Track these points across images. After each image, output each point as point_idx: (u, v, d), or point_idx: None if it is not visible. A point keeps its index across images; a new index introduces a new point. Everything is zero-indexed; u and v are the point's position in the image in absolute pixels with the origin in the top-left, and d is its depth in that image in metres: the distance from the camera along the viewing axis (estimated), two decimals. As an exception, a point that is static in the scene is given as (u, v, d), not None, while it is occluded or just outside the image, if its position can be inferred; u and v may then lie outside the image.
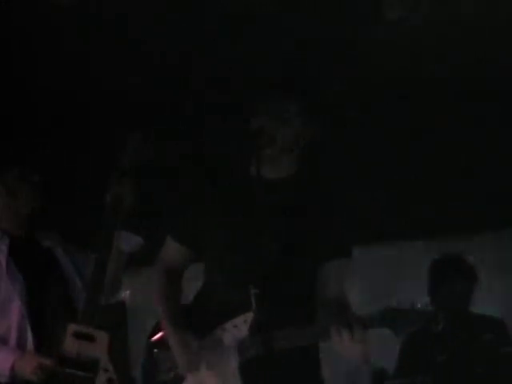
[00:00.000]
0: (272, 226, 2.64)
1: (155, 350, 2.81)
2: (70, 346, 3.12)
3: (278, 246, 2.63)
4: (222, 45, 4.12)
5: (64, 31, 3.89)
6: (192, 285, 2.86)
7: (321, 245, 2.66)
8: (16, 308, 3.30)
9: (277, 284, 2.59)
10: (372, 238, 4.61)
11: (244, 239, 2.66)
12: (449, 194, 4.83)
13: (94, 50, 4.04)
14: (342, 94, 4.27)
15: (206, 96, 4.37)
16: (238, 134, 2.80)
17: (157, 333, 2.82)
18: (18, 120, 4.47)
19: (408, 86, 4.40)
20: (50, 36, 3.89)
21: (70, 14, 3.82)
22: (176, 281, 2.85)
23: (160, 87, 4.38)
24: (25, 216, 3.47)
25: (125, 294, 4.03)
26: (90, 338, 3.13)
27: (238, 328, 2.60)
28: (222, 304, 2.67)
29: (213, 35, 4.15)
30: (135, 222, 3.35)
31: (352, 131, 4.54)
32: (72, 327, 3.13)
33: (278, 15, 4.03)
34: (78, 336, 3.13)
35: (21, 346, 3.26)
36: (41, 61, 4.04)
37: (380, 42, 4.06)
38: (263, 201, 2.66)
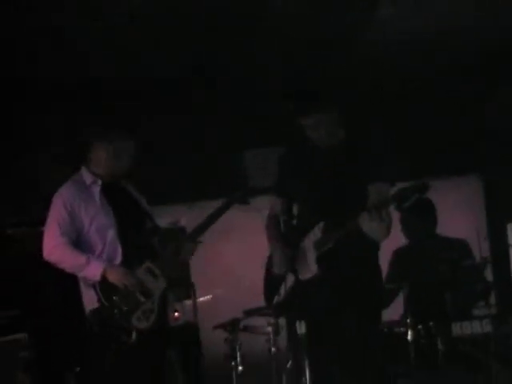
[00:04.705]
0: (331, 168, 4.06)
1: None
2: (140, 273, 4.27)
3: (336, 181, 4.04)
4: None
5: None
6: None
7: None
8: (110, 233, 4.30)
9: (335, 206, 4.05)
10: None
11: (313, 183, 4.13)
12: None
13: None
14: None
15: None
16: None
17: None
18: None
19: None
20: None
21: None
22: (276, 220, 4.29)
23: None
24: (119, 172, 4.40)
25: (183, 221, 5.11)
26: (154, 276, 4.28)
27: (314, 233, 4.09)
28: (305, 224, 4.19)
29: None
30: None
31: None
32: (147, 263, 4.28)
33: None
34: (149, 270, 4.28)
35: (111, 261, 4.29)
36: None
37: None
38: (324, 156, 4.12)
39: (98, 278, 4.22)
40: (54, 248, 4.29)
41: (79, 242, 4.32)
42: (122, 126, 4.51)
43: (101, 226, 4.30)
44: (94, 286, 4.24)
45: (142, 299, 4.23)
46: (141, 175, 4.48)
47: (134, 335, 4.16)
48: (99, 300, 4.20)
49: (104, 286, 4.21)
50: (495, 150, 6.44)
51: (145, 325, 4.19)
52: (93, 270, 4.23)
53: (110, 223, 4.31)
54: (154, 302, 4.26)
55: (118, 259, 4.30)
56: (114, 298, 4.20)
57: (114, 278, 4.21)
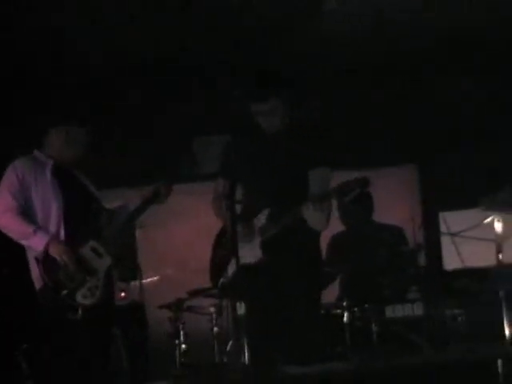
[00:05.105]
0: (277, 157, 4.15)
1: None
2: (85, 252, 4.37)
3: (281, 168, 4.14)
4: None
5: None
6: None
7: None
8: (55, 209, 4.38)
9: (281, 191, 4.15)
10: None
11: (258, 169, 4.26)
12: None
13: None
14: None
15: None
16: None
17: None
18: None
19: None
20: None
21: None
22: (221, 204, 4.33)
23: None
24: (71, 159, 4.52)
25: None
26: (99, 254, 4.38)
27: (259, 219, 4.24)
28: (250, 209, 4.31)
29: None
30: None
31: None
32: (92, 242, 4.39)
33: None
34: (93, 249, 4.39)
35: (56, 236, 4.36)
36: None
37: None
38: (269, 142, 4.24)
39: (41, 248, 4.31)
40: (3, 213, 4.36)
41: (25, 214, 4.39)
42: (76, 113, 4.60)
43: (47, 200, 4.40)
44: (37, 262, 4.32)
45: (87, 276, 4.32)
46: (91, 159, 4.55)
47: (79, 312, 4.26)
48: (44, 278, 4.29)
49: (48, 263, 4.30)
50: (431, 141, 6.66)
51: (90, 301, 4.30)
52: (37, 241, 4.33)
53: (56, 199, 4.42)
54: (99, 279, 4.36)
55: (62, 236, 4.40)
56: (59, 275, 4.29)
57: (55, 252, 4.31)
